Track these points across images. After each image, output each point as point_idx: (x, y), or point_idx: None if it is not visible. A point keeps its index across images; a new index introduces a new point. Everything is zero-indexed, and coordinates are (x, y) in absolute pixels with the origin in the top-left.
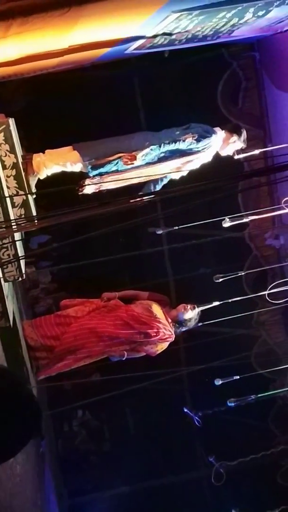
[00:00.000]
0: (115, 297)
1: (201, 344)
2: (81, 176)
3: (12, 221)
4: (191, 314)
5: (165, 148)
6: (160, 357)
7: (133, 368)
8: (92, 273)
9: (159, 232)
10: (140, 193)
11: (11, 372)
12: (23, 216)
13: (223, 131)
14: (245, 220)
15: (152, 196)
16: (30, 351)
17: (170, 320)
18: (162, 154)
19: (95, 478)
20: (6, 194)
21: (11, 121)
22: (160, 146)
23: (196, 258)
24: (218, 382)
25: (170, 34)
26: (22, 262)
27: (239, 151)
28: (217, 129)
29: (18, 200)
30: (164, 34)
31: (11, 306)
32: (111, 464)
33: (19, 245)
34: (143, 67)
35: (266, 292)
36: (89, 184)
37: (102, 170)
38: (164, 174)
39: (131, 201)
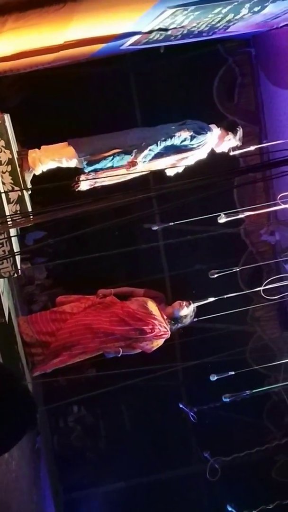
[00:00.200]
0: (110, 293)
1: (196, 340)
2: (76, 172)
3: (7, 217)
4: (186, 311)
5: (162, 145)
6: (156, 353)
7: (128, 364)
8: (87, 269)
9: (155, 228)
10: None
11: (6, 367)
12: (18, 212)
13: (219, 128)
14: (240, 216)
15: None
16: (25, 347)
17: (165, 317)
18: (158, 151)
19: (91, 474)
20: (2, 190)
21: (7, 117)
22: (157, 144)
23: (191, 254)
24: (214, 377)
25: (165, 30)
26: (18, 258)
27: (234, 148)
28: (213, 126)
29: (13, 196)
30: (160, 29)
31: (6, 302)
32: (107, 460)
33: (14, 241)
34: (138, 63)
35: (261, 288)
36: (84, 180)
37: (97, 166)
38: (159, 170)
39: (127, 199)
